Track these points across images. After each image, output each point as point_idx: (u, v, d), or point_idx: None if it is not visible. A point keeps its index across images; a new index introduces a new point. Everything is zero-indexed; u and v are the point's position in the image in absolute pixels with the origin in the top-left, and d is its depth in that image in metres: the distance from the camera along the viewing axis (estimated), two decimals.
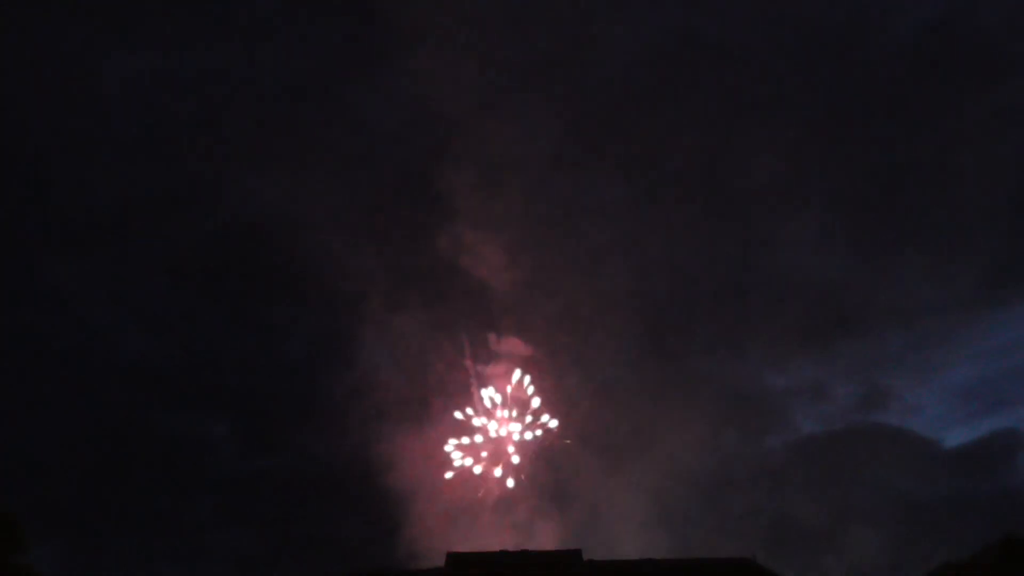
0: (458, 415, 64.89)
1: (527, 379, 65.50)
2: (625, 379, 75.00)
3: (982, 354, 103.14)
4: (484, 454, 64.28)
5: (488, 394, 65.26)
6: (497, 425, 64.46)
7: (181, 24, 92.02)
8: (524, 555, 43.01)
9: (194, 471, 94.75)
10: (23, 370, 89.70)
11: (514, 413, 65.13)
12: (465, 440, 64.22)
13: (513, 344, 69.04)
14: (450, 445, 63.83)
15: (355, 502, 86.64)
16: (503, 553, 43.63)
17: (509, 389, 65.48)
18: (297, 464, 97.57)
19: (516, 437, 65.02)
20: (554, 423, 65.00)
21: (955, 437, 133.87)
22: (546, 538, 60.70)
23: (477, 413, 65.00)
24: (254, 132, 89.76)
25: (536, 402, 65.39)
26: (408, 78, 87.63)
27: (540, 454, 65.91)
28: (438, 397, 68.46)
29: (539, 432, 65.17)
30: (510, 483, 64.08)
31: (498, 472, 64.12)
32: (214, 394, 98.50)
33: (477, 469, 63.71)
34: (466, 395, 67.39)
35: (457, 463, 63.52)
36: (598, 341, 74.18)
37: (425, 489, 63.82)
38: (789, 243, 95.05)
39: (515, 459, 64.73)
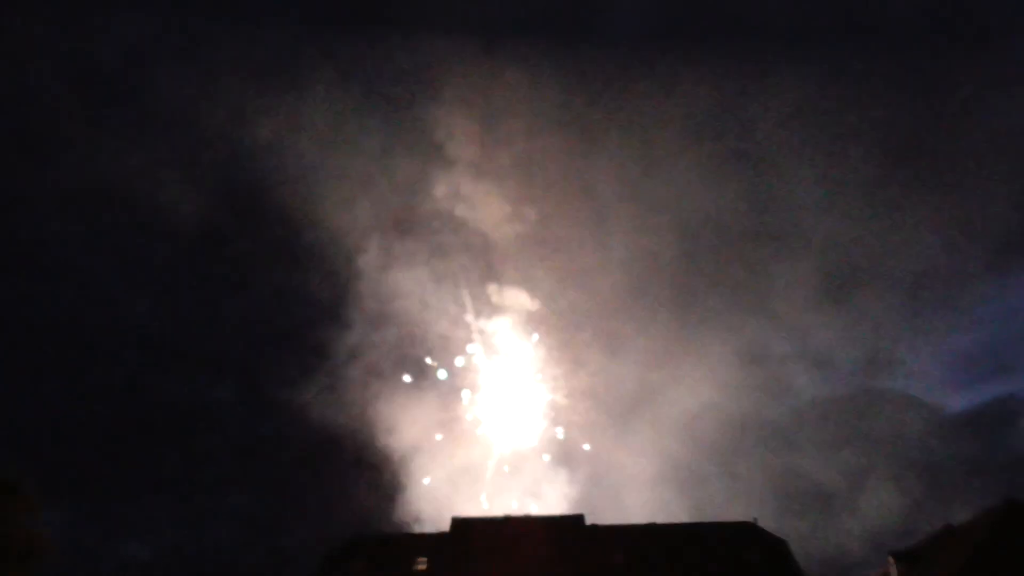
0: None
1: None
2: (630, 341, 74.77)
3: (986, 319, 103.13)
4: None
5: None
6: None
7: None
8: (528, 520, 43.48)
9: (200, 436, 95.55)
10: (28, 336, 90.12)
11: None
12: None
13: (516, 297, 67.94)
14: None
15: (360, 467, 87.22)
16: (507, 518, 44.03)
17: None
18: (302, 428, 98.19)
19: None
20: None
21: (958, 402, 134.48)
22: (551, 502, 60.90)
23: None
24: (253, 94, 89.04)
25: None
26: (406, 30, 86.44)
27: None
28: (439, 354, 67.77)
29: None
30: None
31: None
32: (218, 359, 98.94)
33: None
34: (468, 354, 66.93)
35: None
36: (603, 300, 73.69)
37: (429, 452, 63.69)
38: (794, 207, 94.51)
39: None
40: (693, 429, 72.10)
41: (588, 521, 42.81)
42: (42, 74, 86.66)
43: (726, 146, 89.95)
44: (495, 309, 68.45)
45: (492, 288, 68.89)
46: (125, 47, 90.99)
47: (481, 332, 67.67)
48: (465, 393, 65.33)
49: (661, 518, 47.25)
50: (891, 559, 43.11)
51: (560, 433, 67.01)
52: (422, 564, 40.42)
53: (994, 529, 35.96)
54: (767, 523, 43.72)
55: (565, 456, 66.69)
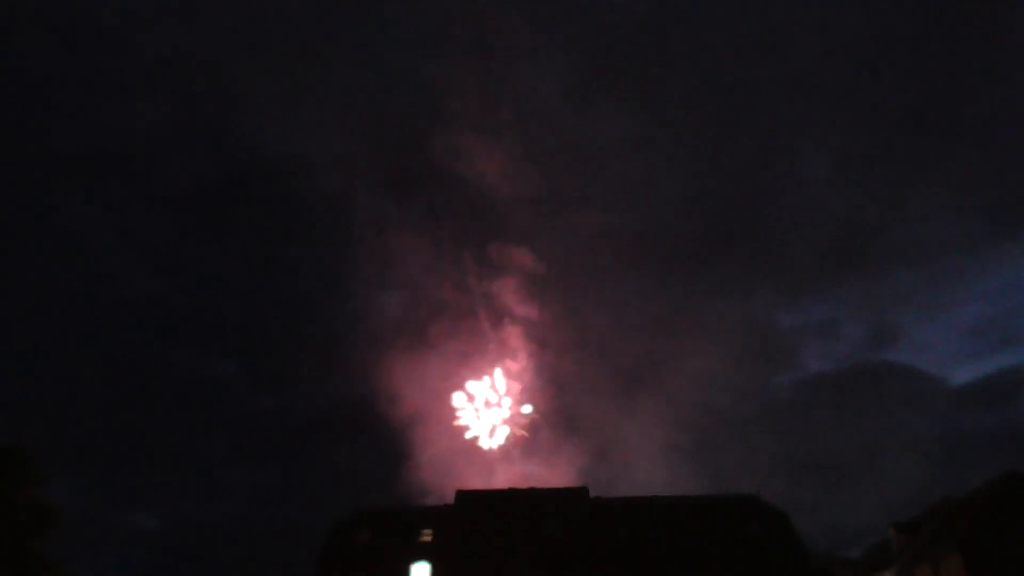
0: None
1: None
2: (636, 308, 74.33)
3: (990, 293, 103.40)
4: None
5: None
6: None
7: None
8: (532, 492, 43.55)
9: (206, 409, 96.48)
10: (38, 311, 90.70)
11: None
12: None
13: (519, 257, 66.53)
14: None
15: (365, 439, 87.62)
16: (511, 490, 44.12)
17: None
18: (307, 401, 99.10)
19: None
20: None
21: (962, 375, 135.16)
22: (556, 474, 60.66)
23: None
24: (259, 70, 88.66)
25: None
26: (412, 14, 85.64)
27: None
28: (443, 321, 66.71)
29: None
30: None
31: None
32: (223, 333, 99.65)
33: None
34: (470, 318, 65.74)
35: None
36: (608, 265, 73.06)
37: (433, 426, 63.12)
38: (800, 182, 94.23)
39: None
40: (700, 399, 72.13)
41: (593, 493, 42.99)
42: (36, 39, 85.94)
43: (732, 127, 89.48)
44: (497, 271, 67.15)
45: (494, 249, 67.57)
46: (129, 17, 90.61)
47: (484, 296, 66.66)
48: (469, 362, 64.70)
49: (668, 490, 47.43)
50: (892, 529, 43.44)
51: (564, 408, 66.56)
52: (427, 536, 40.74)
53: (994, 500, 36.14)
54: (774, 493, 43.93)
55: (571, 427, 66.15)
